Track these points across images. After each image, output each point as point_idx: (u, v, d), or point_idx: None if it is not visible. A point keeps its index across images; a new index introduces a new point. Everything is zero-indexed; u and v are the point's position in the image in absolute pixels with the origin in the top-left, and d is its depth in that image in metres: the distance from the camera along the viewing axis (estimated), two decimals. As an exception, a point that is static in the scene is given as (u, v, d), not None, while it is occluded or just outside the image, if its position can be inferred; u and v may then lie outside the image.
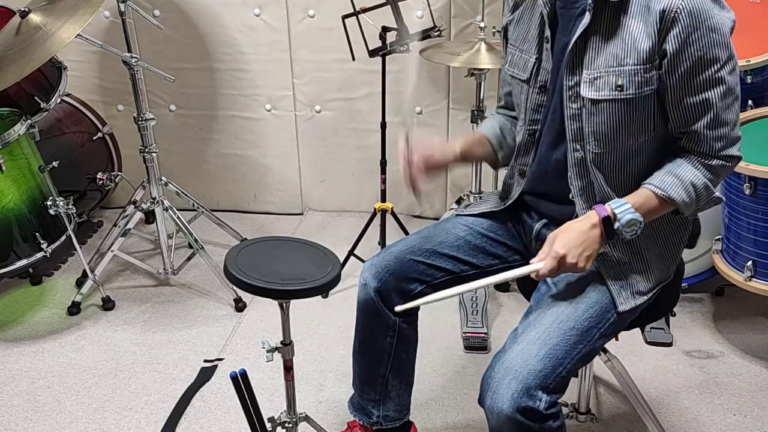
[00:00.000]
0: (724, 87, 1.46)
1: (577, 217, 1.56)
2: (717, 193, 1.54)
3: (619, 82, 1.48)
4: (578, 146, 1.56)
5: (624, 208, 1.47)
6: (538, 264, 1.49)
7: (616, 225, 1.47)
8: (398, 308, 1.60)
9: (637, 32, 1.45)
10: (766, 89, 2.51)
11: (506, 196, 1.80)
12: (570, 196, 1.61)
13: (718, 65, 1.44)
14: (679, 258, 1.68)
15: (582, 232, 1.47)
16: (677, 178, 1.49)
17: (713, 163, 1.50)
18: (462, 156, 1.75)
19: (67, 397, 2.34)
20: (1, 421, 2.23)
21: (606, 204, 1.50)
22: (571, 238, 1.47)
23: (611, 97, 1.49)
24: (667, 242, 1.63)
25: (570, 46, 1.51)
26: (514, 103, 1.77)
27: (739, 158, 1.53)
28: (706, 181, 1.50)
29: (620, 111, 1.50)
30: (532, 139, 1.69)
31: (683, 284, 2.59)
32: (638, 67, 1.46)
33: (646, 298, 1.60)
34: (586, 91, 1.51)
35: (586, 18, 1.48)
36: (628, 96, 1.48)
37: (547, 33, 1.59)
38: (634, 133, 1.52)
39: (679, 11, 1.40)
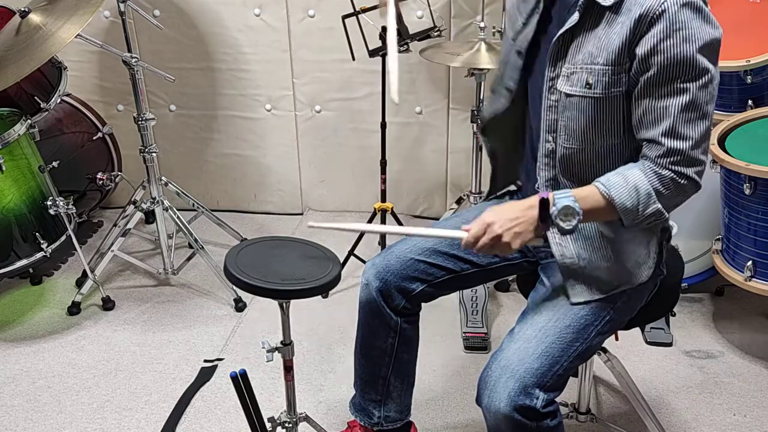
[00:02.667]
0: (687, 98, 1.41)
1: None
2: (658, 206, 1.44)
3: (590, 80, 1.48)
4: (550, 138, 1.57)
5: (563, 195, 1.43)
6: (464, 233, 1.46)
7: (552, 209, 1.42)
8: (310, 223, 1.59)
9: (613, 33, 1.45)
10: (766, 89, 2.51)
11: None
12: (536, 186, 1.62)
13: (685, 77, 1.40)
14: (649, 264, 1.61)
15: (517, 208, 1.44)
16: (624, 179, 1.44)
17: (664, 173, 1.44)
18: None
19: (67, 397, 2.34)
20: (1, 421, 2.23)
21: (552, 192, 1.48)
22: (505, 210, 1.44)
23: (581, 94, 1.50)
24: (630, 248, 1.58)
25: (554, 40, 1.52)
26: None
27: (695, 183, 1.45)
28: (650, 188, 1.43)
29: (589, 108, 1.50)
30: (508, 93, 1.70)
31: (683, 284, 2.60)
32: (607, 67, 1.46)
33: (603, 295, 1.57)
34: (561, 85, 1.52)
35: (574, 17, 1.49)
36: (595, 95, 1.48)
37: (541, 4, 1.59)
38: (602, 133, 1.51)
39: (656, 17, 1.39)
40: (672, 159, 1.43)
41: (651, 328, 2.53)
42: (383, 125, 2.77)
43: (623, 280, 1.59)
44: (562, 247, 1.58)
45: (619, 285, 1.59)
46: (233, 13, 3.15)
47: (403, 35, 2.57)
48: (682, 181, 1.44)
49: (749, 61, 2.35)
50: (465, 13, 2.99)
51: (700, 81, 1.41)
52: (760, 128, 2.37)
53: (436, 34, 2.67)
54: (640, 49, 1.42)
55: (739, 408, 2.23)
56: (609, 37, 1.45)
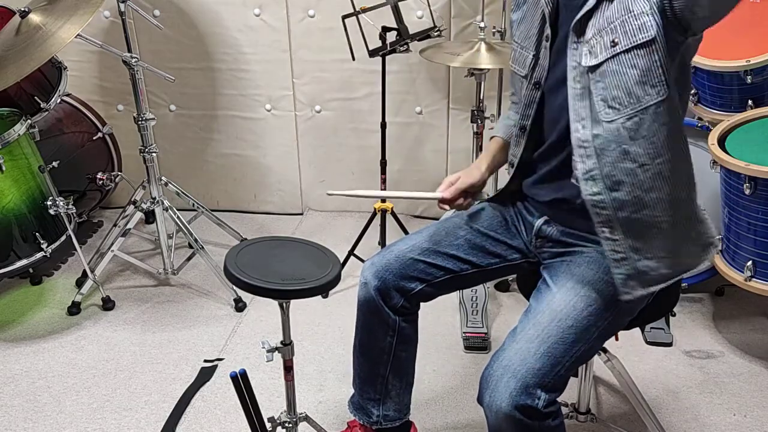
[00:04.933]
0: None
1: (577, 205, 1.58)
2: None
3: (613, 38, 1.44)
4: (579, 126, 1.51)
5: None
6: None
7: None
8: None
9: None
10: (766, 89, 2.51)
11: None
12: (572, 179, 1.57)
13: None
14: (711, 240, 1.61)
15: None
16: None
17: None
18: (490, 171, 1.82)
19: (67, 397, 2.34)
20: (1, 421, 2.23)
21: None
22: None
23: (609, 56, 1.45)
24: (686, 231, 1.56)
25: (569, 30, 1.50)
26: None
27: None
28: None
29: (621, 67, 1.44)
30: (522, 132, 1.71)
31: (683, 284, 2.60)
32: (626, 16, 1.42)
33: (658, 286, 1.55)
34: (586, 61, 1.48)
35: (591, 2, 1.46)
36: (623, 48, 1.43)
37: (548, 32, 1.59)
38: (644, 85, 1.44)
39: None
40: None
41: (651, 328, 2.53)
42: (383, 125, 2.77)
43: (683, 265, 1.58)
44: (613, 242, 1.53)
45: (678, 272, 1.57)
46: (233, 13, 3.15)
47: (403, 35, 2.58)
48: None
49: (749, 61, 2.35)
50: (465, 13, 2.99)
51: None
52: (760, 128, 2.37)
53: (436, 34, 2.67)
54: None
55: (739, 408, 2.23)
56: (626, 2, 1.42)
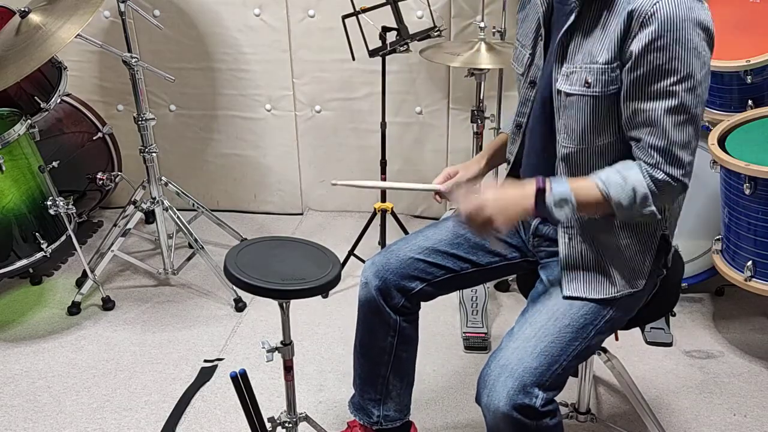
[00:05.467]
0: (675, 102, 1.40)
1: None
2: (653, 208, 1.46)
3: (589, 79, 1.48)
4: (559, 139, 1.57)
5: (560, 184, 1.47)
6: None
7: (548, 198, 1.45)
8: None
9: (611, 31, 1.45)
10: (766, 89, 2.51)
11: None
12: None
13: (674, 78, 1.39)
14: (646, 272, 1.61)
15: (513, 197, 1.49)
16: (623, 179, 1.45)
17: (659, 176, 1.44)
18: (489, 166, 1.86)
19: (67, 397, 2.34)
20: (1, 421, 2.23)
21: (549, 178, 1.49)
22: (501, 197, 1.49)
23: (579, 93, 1.50)
24: (632, 255, 1.59)
25: (556, 42, 1.53)
26: None
27: (683, 185, 1.47)
28: (647, 191, 1.44)
29: (587, 108, 1.50)
30: (518, 130, 1.73)
31: (683, 284, 2.60)
32: (606, 66, 1.46)
33: (597, 297, 1.57)
34: (561, 84, 1.52)
35: (572, 17, 1.50)
36: (594, 93, 1.48)
37: (542, 31, 1.61)
38: (600, 131, 1.51)
39: (647, 15, 1.38)
40: (662, 161, 1.44)
41: (651, 328, 2.53)
42: (383, 125, 2.77)
43: (620, 286, 1.59)
44: (570, 247, 1.59)
45: (616, 291, 1.59)
46: (233, 13, 3.15)
47: (403, 35, 2.58)
48: (674, 184, 1.46)
49: (749, 61, 2.35)
50: (465, 13, 2.99)
51: (687, 83, 1.40)
52: (760, 128, 2.37)
53: (436, 34, 2.67)
54: (634, 48, 1.41)
55: (739, 408, 2.23)
56: (607, 35, 1.45)
